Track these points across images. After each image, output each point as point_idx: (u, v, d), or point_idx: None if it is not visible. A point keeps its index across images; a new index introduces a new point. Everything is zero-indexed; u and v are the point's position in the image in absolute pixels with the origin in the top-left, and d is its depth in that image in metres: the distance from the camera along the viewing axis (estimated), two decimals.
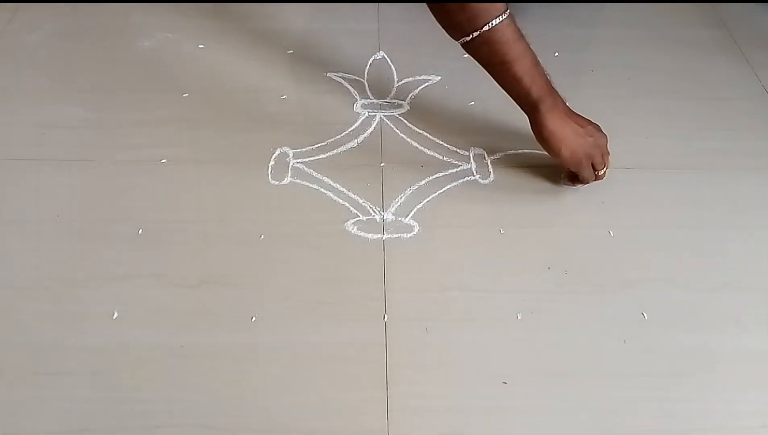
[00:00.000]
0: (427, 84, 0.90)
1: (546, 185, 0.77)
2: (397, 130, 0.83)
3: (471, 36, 0.65)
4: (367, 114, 0.85)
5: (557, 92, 0.70)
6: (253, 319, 0.63)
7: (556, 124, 0.68)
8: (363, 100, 0.87)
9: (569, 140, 0.69)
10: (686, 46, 0.99)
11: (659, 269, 0.69)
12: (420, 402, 0.58)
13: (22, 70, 0.89)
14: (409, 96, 0.88)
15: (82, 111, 0.83)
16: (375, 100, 0.87)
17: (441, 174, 0.77)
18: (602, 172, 0.73)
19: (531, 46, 0.67)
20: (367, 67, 0.92)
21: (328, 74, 0.91)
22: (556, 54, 0.96)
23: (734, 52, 0.98)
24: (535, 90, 0.68)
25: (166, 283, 0.65)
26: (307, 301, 0.65)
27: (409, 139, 0.82)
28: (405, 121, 0.84)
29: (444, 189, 0.76)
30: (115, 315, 0.63)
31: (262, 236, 0.70)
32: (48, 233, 0.69)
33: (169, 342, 0.61)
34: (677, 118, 0.87)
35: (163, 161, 0.77)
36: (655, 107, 0.88)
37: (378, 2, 1.04)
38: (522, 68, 0.66)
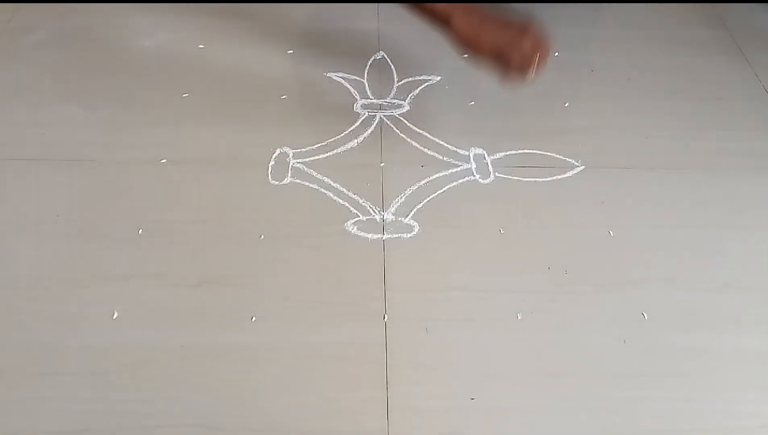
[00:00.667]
0: (427, 84, 0.90)
1: (546, 185, 0.77)
2: (397, 130, 0.83)
3: None
4: (367, 114, 0.85)
5: (476, 4, 0.67)
6: (253, 319, 0.63)
7: (472, 25, 0.66)
8: (363, 100, 0.87)
9: (489, 37, 0.66)
10: (686, 46, 0.99)
11: (659, 269, 0.69)
12: (420, 402, 0.58)
13: (22, 70, 0.89)
14: (409, 96, 0.88)
15: (82, 111, 0.83)
16: (375, 100, 0.87)
17: (441, 174, 0.78)
18: (533, 69, 0.67)
19: None
20: (367, 67, 0.92)
21: (328, 74, 0.91)
22: (556, 54, 0.96)
23: (734, 52, 0.98)
24: (443, 5, 0.66)
25: (166, 283, 0.65)
26: (307, 301, 0.65)
27: (409, 139, 0.82)
28: (405, 121, 0.84)
29: (444, 189, 0.76)
30: (115, 315, 0.63)
31: (262, 236, 0.70)
32: (48, 233, 0.69)
33: (169, 342, 0.61)
34: (677, 118, 0.87)
35: (163, 161, 0.77)
36: (655, 107, 0.88)
37: (378, 2, 1.04)
38: None
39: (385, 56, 0.94)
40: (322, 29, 0.99)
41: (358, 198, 0.74)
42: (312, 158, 0.79)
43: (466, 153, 0.80)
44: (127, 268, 0.67)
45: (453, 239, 0.71)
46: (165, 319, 0.63)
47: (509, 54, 0.66)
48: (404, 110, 0.86)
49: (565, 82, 0.92)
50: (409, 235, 0.71)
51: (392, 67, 0.92)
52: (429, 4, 0.66)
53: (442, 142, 0.81)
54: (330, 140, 0.81)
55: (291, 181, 0.76)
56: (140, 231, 0.70)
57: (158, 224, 0.71)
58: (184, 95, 0.86)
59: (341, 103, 0.86)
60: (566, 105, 0.88)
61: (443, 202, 0.75)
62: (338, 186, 0.75)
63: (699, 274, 0.69)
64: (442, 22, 0.67)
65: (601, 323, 0.65)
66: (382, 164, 0.78)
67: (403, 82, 0.90)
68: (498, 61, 0.67)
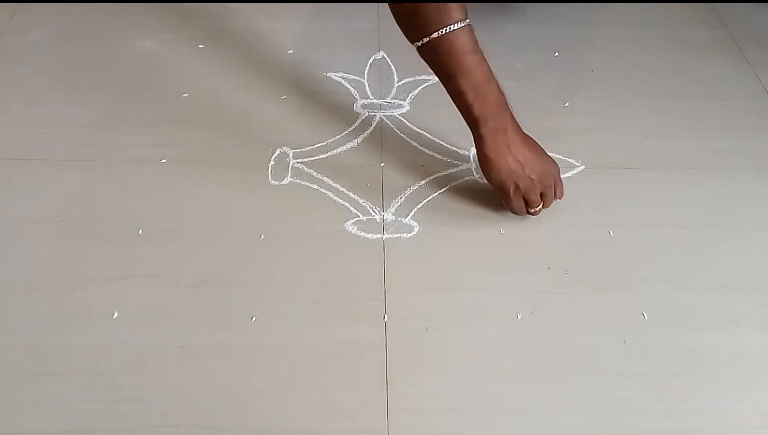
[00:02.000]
0: (427, 84, 0.90)
1: None
2: (397, 130, 0.83)
3: (421, 42, 0.63)
4: (367, 114, 0.85)
5: (509, 115, 0.67)
6: (253, 319, 0.63)
7: (492, 149, 0.66)
8: (363, 100, 0.87)
9: (501, 169, 0.66)
10: (686, 46, 0.99)
11: (659, 269, 0.69)
12: (420, 402, 0.58)
13: (22, 70, 0.89)
14: (409, 96, 0.88)
15: (82, 111, 0.83)
16: (375, 100, 0.87)
17: (441, 174, 0.78)
18: (535, 209, 0.70)
19: (487, 62, 0.64)
20: (367, 67, 0.92)
21: (328, 74, 0.91)
22: (556, 54, 0.96)
23: (734, 52, 0.98)
24: (478, 108, 0.65)
25: (166, 283, 0.65)
26: (307, 301, 0.65)
27: (409, 139, 0.82)
28: (405, 121, 0.84)
29: (444, 189, 0.76)
30: (115, 315, 0.63)
31: (262, 236, 0.70)
32: (48, 233, 0.69)
33: (169, 342, 0.61)
34: (677, 118, 0.87)
35: (163, 161, 0.77)
36: (655, 107, 0.88)
37: (378, 2, 1.04)
38: (467, 83, 0.64)
39: (385, 56, 0.94)
40: (322, 29, 0.99)
41: (358, 198, 0.74)
42: (312, 158, 0.79)
43: (466, 153, 0.80)
44: (127, 268, 0.67)
45: (453, 239, 0.71)
46: (165, 319, 0.63)
47: (514, 199, 0.69)
48: (404, 110, 0.86)
49: (565, 82, 0.92)
50: (409, 235, 0.71)
51: (392, 67, 0.92)
52: (468, 100, 0.65)
53: (442, 142, 0.81)
54: (330, 140, 0.81)
55: (291, 181, 0.76)
56: (140, 231, 0.70)
57: (158, 224, 0.71)
58: (184, 95, 0.86)
59: (341, 103, 0.86)
60: (566, 105, 0.88)
61: (443, 202, 0.75)
62: (338, 186, 0.75)
63: (699, 274, 0.69)
64: (470, 125, 0.67)
65: (601, 323, 0.65)
66: (382, 164, 0.78)
67: (403, 82, 0.90)
68: (501, 193, 0.69)
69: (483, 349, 0.62)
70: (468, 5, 0.63)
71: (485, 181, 0.73)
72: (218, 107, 0.85)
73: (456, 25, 0.62)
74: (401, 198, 0.75)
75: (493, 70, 0.65)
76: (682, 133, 0.85)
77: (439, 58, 0.64)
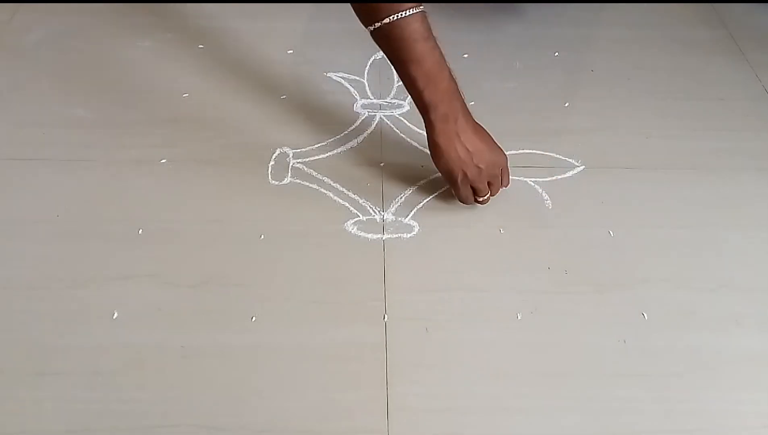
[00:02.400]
0: None
1: (546, 185, 0.77)
2: (397, 130, 0.83)
3: (373, 26, 0.62)
4: (367, 114, 0.85)
5: (461, 103, 0.66)
6: (253, 319, 0.63)
7: (441, 137, 0.66)
8: (363, 100, 0.87)
9: (449, 157, 0.66)
10: (686, 46, 0.99)
11: (659, 269, 0.69)
12: (420, 402, 0.58)
13: (22, 70, 0.89)
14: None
15: (82, 111, 0.83)
16: (375, 100, 0.87)
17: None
18: (483, 198, 0.70)
19: (439, 49, 0.64)
20: (367, 67, 0.92)
21: (328, 74, 0.91)
22: (556, 54, 0.96)
23: (734, 52, 0.98)
24: (428, 95, 0.64)
25: (166, 283, 0.65)
26: (307, 301, 0.65)
27: (409, 139, 0.82)
28: (405, 121, 0.84)
29: (444, 189, 0.76)
30: (115, 315, 0.63)
31: (262, 236, 0.70)
32: (48, 233, 0.69)
33: (169, 342, 0.61)
34: (677, 118, 0.87)
35: (163, 161, 0.77)
36: (655, 107, 0.88)
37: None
38: (418, 70, 0.63)
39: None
40: (322, 29, 0.99)
41: (358, 198, 0.74)
42: (312, 158, 0.79)
43: None
44: (127, 268, 0.67)
45: (453, 239, 0.71)
46: (165, 319, 0.63)
47: (462, 187, 0.69)
48: (404, 110, 0.86)
49: (565, 82, 0.92)
50: (409, 235, 0.71)
51: (392, 67, 0.92)
52: (419, 87, 0.64)
53: None
54: (330, 140, 0.81)
55: (291, 181, 0.76)
56: (140, 231, 0.70)
57: (158, 224, 0.71)
58: (184, 95, 0.86)
59: (341, 103, 0.86)
60: (566, 105, 0.88)
61: (443, 202, 0.75)
62: (338, 186, 0.75)
63: (699, 274, 0.69)
64: (421, 111, 0.67)
65: (601, 323, 0.65)
66: (382, 164, 0.78)
67: None
68: (449, 180, 0.69)
69: (483, 349, 0.62)
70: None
71: None
72: (218, 107, 0.85)
73: (408, 12, 0.61)
74: (401, 198, 0.75)
75: (445, 57, 0.65)
76: (682, 133, 0.85)
77: (390, 44, 0.63)
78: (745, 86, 0.93)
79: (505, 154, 0.70)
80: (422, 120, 0.67)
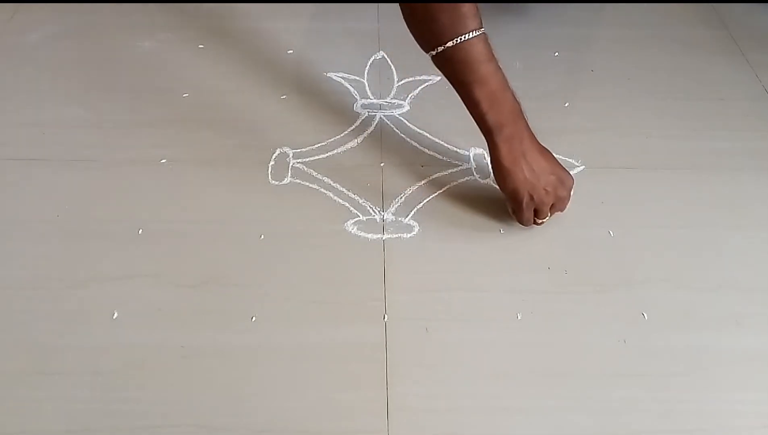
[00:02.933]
0: (427, 84, 0.90)
1: None
2: (397, 130, 0.83)
3: (436, 51, 0.62)
4: (367, 114, 0.85)
5: (525, 124, 0.66)
6: (253, 319, 0.63)
7: (507, 158, 0.65)
8: (363, 100, 0.87)
9: (515, 178, 0.65)
10: (686, 46, 0.99)
11: (659, 269, 0.69)
12: (420, 402, 0.58)
13: (22, 70, 0.89)
14: (409, 96, 0.88)
15: (82, 111, 0.83)
16: (375, 100, 0.87)
17: (441, 174, 0.78)
18: (542, 220, 0.70)
19: (501, 71, 0.64)
20: (367, 67, 0.92)
21: (328, 74, 0.91)
22: (556, 54, 0.96)
23: (734, 52, 0.98)
24: (493, 117, 0.64)
25: (166, 283, 0.65)
26: (307, 301, 0.65)
27: (409, 139, 0.82)
28: (405, 121, 0.84)
29: (444, 189, 0.76)
30: (115, 315, 0.63)
31: (262, 236, 0.70)
32: (48, 233, 0.69)
33: (169, 342, 0.61)
34: (677, 118, 0.87)
35: (163, 161, 0.77)
36: (655, 107, 0.88)
37: (378, 2, 1.04)
38: (483, 92, 0.63)
39: (385, 56, 0.94)
40: (322, 29, 0.99)
41: (358, 198, 0.74)
42: (312, 158, 0.79)
43: (466, 153, 0.80)
44: (127, 268, 0.67)
45: (453, 239, 0.71)
46: (165, 319, 0.63)
47: (525, 210, 0.67)
48: (404, 110, 0.86)
49: (565, 82, 0.92)
50: (409, 235, 0.71)
51: (392, 67, 0.92)
52: (483, 109, 0.64)
53: (442, 142, 0.81)
54: (330, 140, 0.81)
55: (291, 181, 0.76)
56: (140, 231, 0.70)
57: (158, 224, 0.71)
58: (184, 95, 0.86)
59: (341, 103, 0.86)
60: (566, 105, 0.88)
61: (443, 202, 0.75)
62: (338, 186, 0.75)
63: (699, 274, 0.69)
64: (485, 133, 0.66)
65: (601, 323, 0.65)
66: (382, 164, 0.78)
67: (403, 82, 0.90)
68: (514, 202, 0.68)
69: (483, 349, 0.62)
70: None
71: (485, 181, 0.74)
72: (218, 107, 0.85)
73: (471, 33, 0.61)
74: (401, 198, 0.75)
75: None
76: (682, 133, 0.85)
77: (454, 67, 0.63)
78: (745, 86, 0.92)
79: (572, 177, 0.69)
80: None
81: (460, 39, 0.61)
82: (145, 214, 0.72)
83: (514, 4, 1.04)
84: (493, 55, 0.63)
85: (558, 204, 0.69)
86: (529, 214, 0.68)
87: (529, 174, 0.66)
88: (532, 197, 0.66)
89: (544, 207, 0.68)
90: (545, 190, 0.66)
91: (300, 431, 0.56)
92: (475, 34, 0.61)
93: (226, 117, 0.83)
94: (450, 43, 0.61)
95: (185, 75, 0.89)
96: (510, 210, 0.71)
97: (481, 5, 0.62)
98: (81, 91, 0.86)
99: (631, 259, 0.70)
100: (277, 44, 0.95)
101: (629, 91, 0.91)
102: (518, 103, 0.66)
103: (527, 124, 0.67)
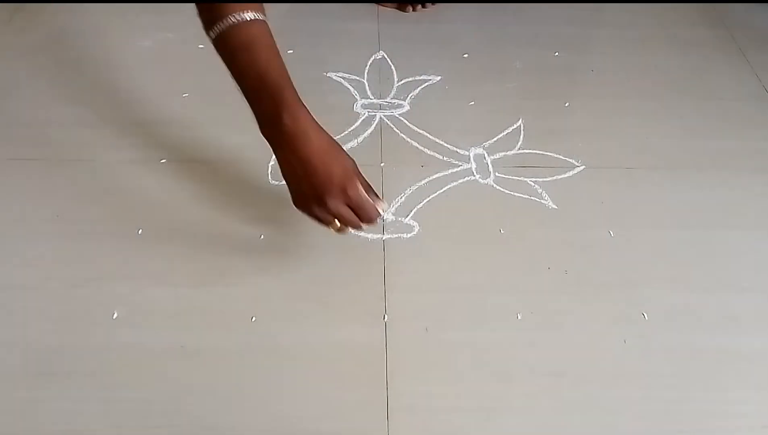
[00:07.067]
0: (427, 84, 0.90)
1: (546, 185, 0.77)
2: (397, 130, 0.83)
3: (210, 38, 0.62)
4: (367, 114, 0.85)
5: (292, 115, 0.61)
6: (253, 319, 0.63)
7: (277, 154, 0.61)
8: (363, 100, 0.87)
9: (295, 199, 0.60)
10: (686, 46, 0.99)
11: (659, 269, 0.69)
12: (420, 402, 0.58)
13: (22, 70, 0.89)
14: (409, 96, 0.88)
15: (81, 111, 0.83)
16: (375, 100, 0.87)
17: (441, 174, 0.77)
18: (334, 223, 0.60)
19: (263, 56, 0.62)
20: (367, 67, 0.92)
21: (328, 74, 0.91)
22: (556, 54, 0.96)
23: (734, 52, 0.98)
24: (257, 109, 0.63)
25: (166, 283, 0.65)
26: (307, 301, 0.65)
27: (409, 139, 0.82)
28: (405, 121, 0.84)
29: (444, 189, 0.76)
30: (115, 315, 0.63)
31: (262, 236, 0.70)
32: (48, 233, 0.69)
33: (169, 342, 0.61)
34: (677, 118, 0.87)
35: (163, 161, 0.77)
36: (655, 107, 0.89)
37: (378, 2, 1.04)
38: (246, 83, 0.63)
39: (385, 56, 0.94)
40: (322, 29, 0.99)
41: None
42: None
43: (466, 153, 0.80)
44: (127, 268, 0.66)
45: (453, 239, 0.71)
46: (165, 319, 0.63)
47: (320, 218, 0.60)
48: (404, 110, 0.86)
49: (565, 82, 0.92)
50: (409, 235, 0.71)
51: (392, 67, 0.92)
52: (251, 100, 0.61)
53: (442, 142, 0.81)
54: None
55: None
56: (140, 231, 0.70)
57: (158, 224, 0.71)
58: (184, 95, 0.86)
59: (341, 103, 0.86)
60: (566, 105, 0.88)
61: (443, 202, 0.75)
62: None
63: (699, 274, 0.69)
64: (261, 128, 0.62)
65: (601, 323, 0.65)
66: (382, 164, 0.78)
67: (403, 82, 0.90)
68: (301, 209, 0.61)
69: (483, 349, 0.62)
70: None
71: (485, 181, 0.74)
72: (218, 107, 0.84)
73: (228, 20, 0.62)
74: (401, 198, 0.75)
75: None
76: (682, 133, 0.85)
77: (222, 56, 0.65)
78: (745, 86, 0.93)
79: (349, 158, 0.63)
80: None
81: (221, 25, 0.62)
82: (145, 214, 0.72)
83: (514, 4, 1.04)
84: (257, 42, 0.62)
85: (350, 193, 0.59)
86: (329, 217, 0.60)
87: (297, 172, 0.59)
88: (306, 192, 0.59)
89: (322, 199, 0.58)
90: (309, 176, 0.58)
91: (300, 431, 0.56)
92: (228, 23, 0.62)
93: (226, 117, 0.83)
94: (212, 34, 0.62)
95: (185, 75, 0.89)
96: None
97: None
98: (81, 91, 0.86)
99: (631, 259, 0.70)
100: (277, 44, 0.95)
101: (629, 91, 0.91)
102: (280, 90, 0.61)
103: (294, 112, 0.61)
